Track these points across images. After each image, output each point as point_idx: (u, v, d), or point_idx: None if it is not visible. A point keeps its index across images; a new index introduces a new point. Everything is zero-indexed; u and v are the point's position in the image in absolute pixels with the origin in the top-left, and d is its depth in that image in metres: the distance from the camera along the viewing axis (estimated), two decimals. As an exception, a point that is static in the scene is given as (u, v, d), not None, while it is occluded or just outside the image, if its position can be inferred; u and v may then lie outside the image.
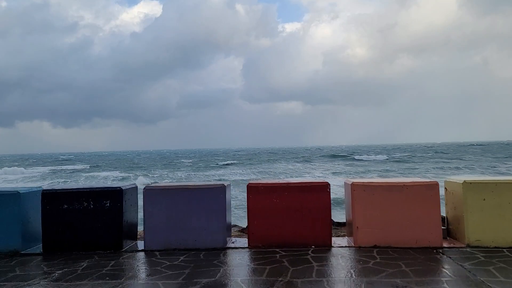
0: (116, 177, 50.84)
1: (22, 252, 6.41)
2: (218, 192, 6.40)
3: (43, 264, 5.77)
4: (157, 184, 6.74)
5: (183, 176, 50.00)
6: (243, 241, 6.71)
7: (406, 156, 74.33)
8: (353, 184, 6.09)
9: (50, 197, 6.44)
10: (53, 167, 70.50)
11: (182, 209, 6.37)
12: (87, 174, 55.11)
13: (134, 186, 7.00)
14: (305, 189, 6.23)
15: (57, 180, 47.86)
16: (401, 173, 45.17)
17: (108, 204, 6.40)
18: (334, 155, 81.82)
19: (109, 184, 6.88)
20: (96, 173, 57.00)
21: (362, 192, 6.02)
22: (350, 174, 45.43)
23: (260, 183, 6.43)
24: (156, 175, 52.41)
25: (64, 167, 71.58)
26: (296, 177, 43.47)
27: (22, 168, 65.92)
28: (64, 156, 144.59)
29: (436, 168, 49.68)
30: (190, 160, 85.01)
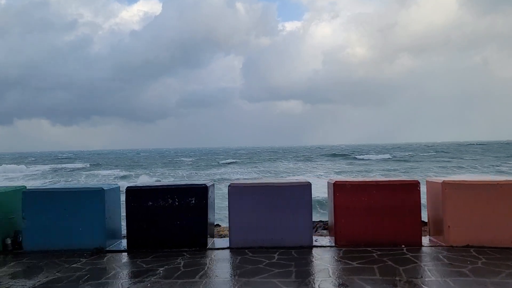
0: (117, 175, 50.60)
1: (106, 249, 6.34)
2: (304, 190, 6.37)
3: (139, 261, 5.71)
4: (242, 182, 6.70)
5: (185, 175, 49.83)
6: (326, 240, 6.69)
7: (407, 155, 74.63)
8: (444, 183, 6.08)
9: (135, 194, 6.38)
10: (53, 165, 70.01)
11: (268, 206, 6.34)
12: (87, 173, 54.76)
13: (213, 183, 6.96)
14: (394, 188, 6.23)
15: (58, 178, 47.51)
16: (403, 173, 45.31)
17: (193, 201, 6.35)
18: (335, 154, 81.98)
19: (194, 181, 6.83)
20: (96, 172, 56.66)
21: (454, 190, 6.02)
22: (352, 173, 45.53)
23: (347, 181, 6.42)
24: (157, 174, 52.19)
25: (64, 165, 71.05)
26: (299, 175, 43.48)
27: (22, 165, 65.43)
28: (63, 154, 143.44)
29: (440, 167, 49.91)
30: (190, 159, 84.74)
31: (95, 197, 6.33)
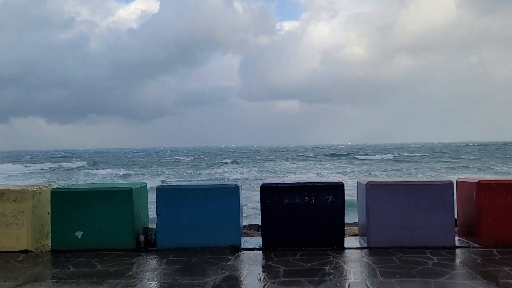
0: (116, 174, 50.05)
1: (241, 246, 6.09)
2: (445, 189, 6.18)
3: (291, 260, 5.46)
4: (379, 180, 6.50)
5: (185, 174, 49.43)
6: (460, 240, 6.48)
7: (408, 155, 74.93)
8: None
9: (272, 192, 6.14)
10: (50, 164, 68.88)
11: (408, 205, 6.14)
12: (85, 171, 54.02)
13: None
14: (543, 186, 6.06)
15: (57, 177, 46.77)
16: (406, 173, 45.49)
17: (330, 199, 6.12)
18: (334, 154, 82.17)
19: (331, 178, 6.58)
20: (95, 170, 55.90)
21: None
22: (354, 172, 45.55)
23: (492, 180, 6.24)
24: (158, 173, 51.67)
25: (61, 164, 69.98)
26: (301, 175, 43.41)
27: (18, 164, 64.45)
28: (59, 153, 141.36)
29: (445, 167, 50.04)
30: (189, 158, 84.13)
31: (231, 194, 6.09)
